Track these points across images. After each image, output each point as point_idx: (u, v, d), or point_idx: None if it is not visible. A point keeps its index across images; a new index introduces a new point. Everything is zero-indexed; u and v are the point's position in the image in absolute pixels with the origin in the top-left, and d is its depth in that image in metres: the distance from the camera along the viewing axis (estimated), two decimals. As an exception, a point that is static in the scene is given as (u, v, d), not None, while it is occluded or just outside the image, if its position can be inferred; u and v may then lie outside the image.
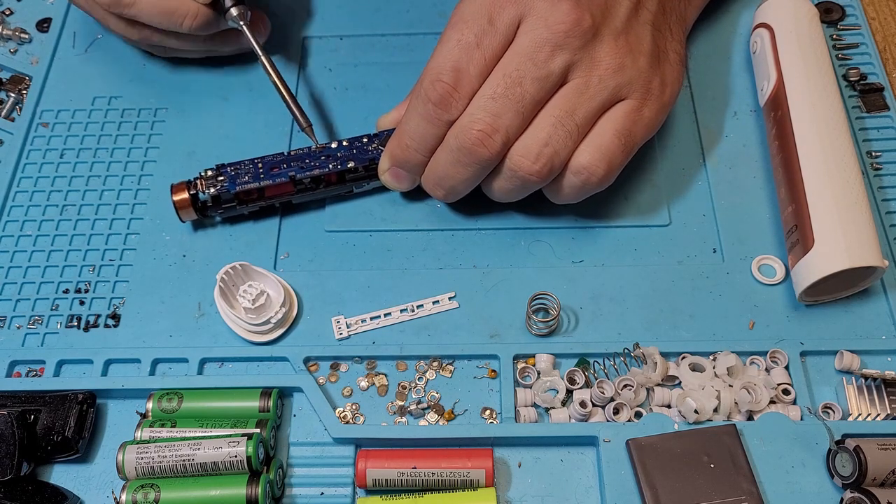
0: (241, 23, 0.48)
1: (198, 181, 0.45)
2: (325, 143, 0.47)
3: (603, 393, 0.40)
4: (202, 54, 0.53)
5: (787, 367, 0.42)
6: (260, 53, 0.48)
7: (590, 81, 0.41)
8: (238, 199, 0.45)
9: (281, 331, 0.43)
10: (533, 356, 0.42)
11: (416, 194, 0.47)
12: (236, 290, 0.44)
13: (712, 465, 0.37)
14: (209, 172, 0.45)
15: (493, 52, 0.41)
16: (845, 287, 0.43)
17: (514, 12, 0.40)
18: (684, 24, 0.47)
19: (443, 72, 0.41)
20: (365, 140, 0.47)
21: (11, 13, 0.58)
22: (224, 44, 0.52)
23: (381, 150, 0.46)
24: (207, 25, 0.49)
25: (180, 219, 0.46)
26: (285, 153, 0.46)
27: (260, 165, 0.45)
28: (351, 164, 0.46)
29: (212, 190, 0.45)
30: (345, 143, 0.46)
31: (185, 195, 0.45)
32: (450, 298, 0.45)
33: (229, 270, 0.43)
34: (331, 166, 0.46)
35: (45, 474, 0.41)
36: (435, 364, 0.43)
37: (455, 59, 0.40)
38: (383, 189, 0.47)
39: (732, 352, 0.41)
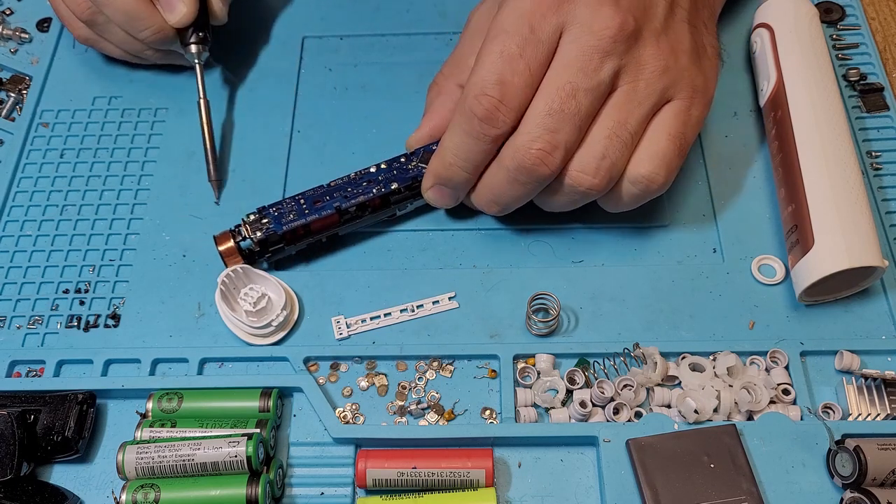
0: (197, 61, 0.49)
1: (242, 227, 0.44)
2: (364, 169, 0.45)
3: (603, 393, 0.40)
4: (137, 60, 0.53)
5: (787, 367, 0.42)
6: (201, 95, 0.49)
7: (637, 86, 0.40)
8: (285, 239, 0.44)
9: (282, 334, 0.43)
10: (533, 356, 0.42)
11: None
12: (237, 294, 0.44)
13: (712, 465, 0.37)
14: (252, 217, 0.44)
15: (537, 62, 0.39)
16: (845, 287, 0.43)
17: (556, 21, 0.40)
18: (715, 17, 0.47)
19: (487, 85, 0.39)
20: (403, 160, 0.46)
21: (11, 13, 0.58)
22: (165, 58, 0.52)
23: (422, 168, 0.45)
24: (163, 43, 0.49)
25: (227, 267, 0.44)
26: (325, 185, 0.45)
27: (302, 201, 0.44)
28: (394, 186, 0.45)
29: (258, 234, 0.44)
30: (383, 166, 0.45)
31: (231, 244, 0.44)
32: (450, 298, 0.45)
33: (230, 273, 0.43)
34: (374, 191, 0.44)
35: (45, 474, 0.41)
36: (435, 364, 0.43)
37: (499, 71, 0.39)
38: (426, 209, 0.47)
39: (732, 352, 0.41)
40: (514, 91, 0.39)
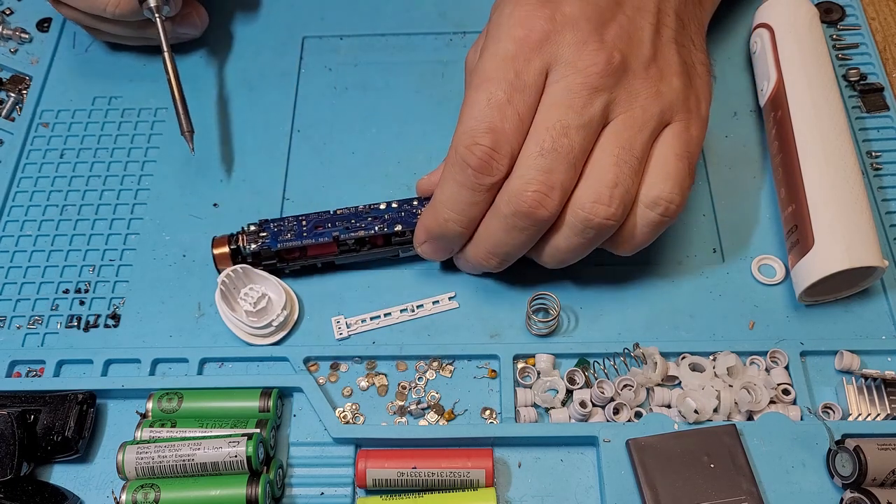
0: (156, 15, 0.48)
1: (240, 236, 0.44)
2: (373, 204, 0.45)
3: (603, 393, 0.40)
4: (138, 41, 0.53)
5: (787, 367, 0.42)
6: (164, 48, 0.48)
7: (634, 114, 0.39)
8: (280, 257, 0.44)
9: (282, 334, 0.43)
10: (533, 356, 0.42)
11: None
12: (237, 294, 0.44)
13: (712, 465, 0.37)
14: (252, 227, 0.44)
15: (526, 106, 0.39)
16: (845, 287, 0.43)
17: (540, 63, 0.39)
18: (703, 30, 0.46)
19: (478, 134, 0.38)
20: (415, 203, 0.44)
21: (11, 13, 0.58)
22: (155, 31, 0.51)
23: None
24: (132, 12, 0.49)
25: (218, 271, 0.44)
26: (331, 212, 0.45)
27: (304, 223, 0.44)
28: (398, 228, 0.43)
29: (253, 246, 0.44)
30: (394, 205, 0.44)
31: (226, 249, 0.44)
32: (450, 298, 0.45)
33: (230, 273, 0.43)
34: (377, 228, 0.44)
35: (45, 474, 0.41)
36: (435, 364, 0.43)
37: (488, 119, 0.38)
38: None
39: (732, 352, 0.41)
40: (506, 138, 0.38)
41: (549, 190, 0.38)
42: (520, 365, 0.42)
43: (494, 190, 0.39)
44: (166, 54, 0.48)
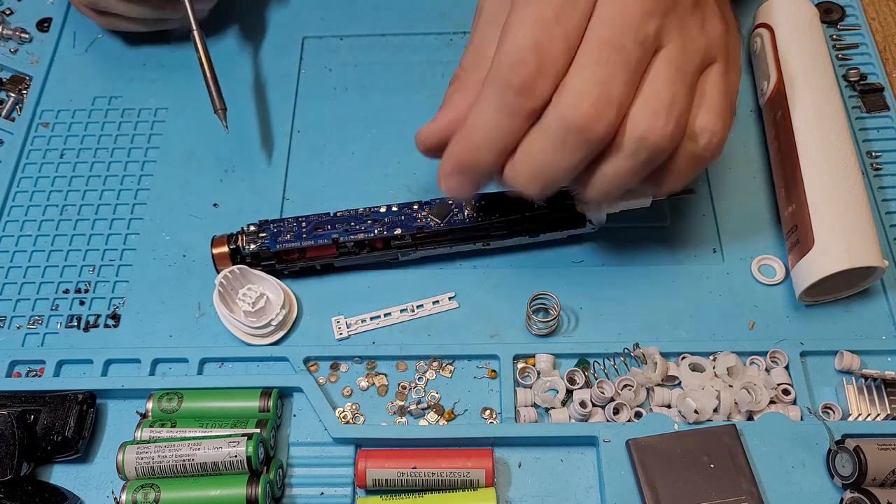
0: None
1: (239, 236, 0.44)
2: (372, 207, 0.45)
3: (603, 393, 0.40)
4: (149, 26, 0.53)
5: (787, 367, 0.42)
6: (193, 24, 0.48)
7: (685, 44, 0.37)
8: (279, 257, 0.44)
9: (281, 333, 0.43)
10: (533, 356, 0.42)
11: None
12: (235, 294, 0.44)
13: (712, 465, 0.37)
14: (251, 228, 0.44)
15: (575, 27, 0.35)
16: (845, 287, 0.43)
17: None
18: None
19: (524, 53, 0.35)
20: (415, 207, 0.44)
21: (11, 13, 0.58)
22: (173, 10, 0.51)
23: (431, 219, 0.43)
24: None
25: (217, 271, 0.44)
26: (331, 214, 0.45)
27: (304, 224, 0.44)
28: (398, 231, 0.43)
29: (252, 246, 0.44)
30: (394, 209, 0.44)
31: (225, 249, 0.44)
32: (450, 298, 0.45)
33: (227, 274, 0.43)
34: (376, 231, 0.43)
35: (45, 474, 0.41)
36: (435, 364, 0.43)
37: (535, 37, 0.35)
38: (430, 259, 0.46)
39: (732, 352, 0.41)
40: (553, 58, 0.35)
41: (606, 103, 0.35)
42: (520, 365, 0.42)
43: (533, 117, 0.36)
44: (195, 33, 0.48)
